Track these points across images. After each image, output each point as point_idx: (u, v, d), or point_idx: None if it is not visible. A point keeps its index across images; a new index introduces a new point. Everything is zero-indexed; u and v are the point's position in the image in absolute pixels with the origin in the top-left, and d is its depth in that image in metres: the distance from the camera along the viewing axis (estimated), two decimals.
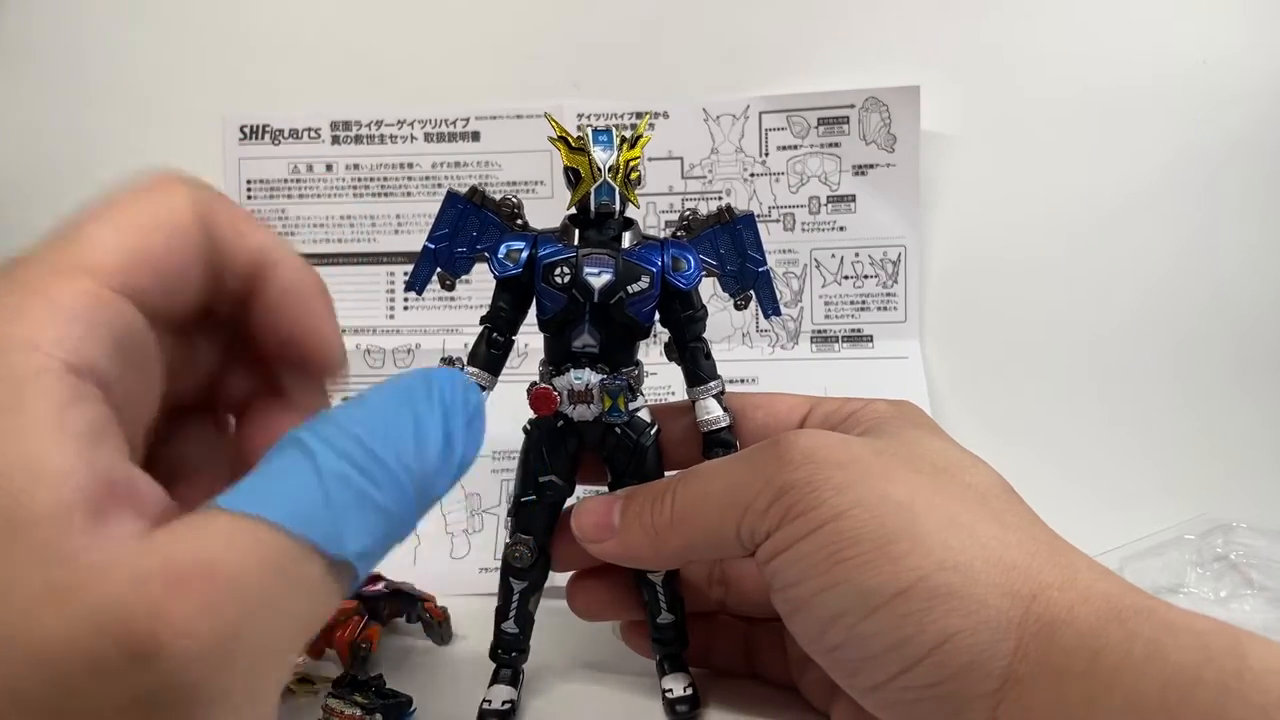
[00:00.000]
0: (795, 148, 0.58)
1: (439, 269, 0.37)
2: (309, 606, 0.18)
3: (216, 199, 0.22)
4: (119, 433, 0.18)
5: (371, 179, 0.60)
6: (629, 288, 0.35)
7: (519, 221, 0.37)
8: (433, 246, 0.37)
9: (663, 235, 0.37)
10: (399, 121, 0.60)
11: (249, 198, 0.60)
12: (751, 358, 0.59)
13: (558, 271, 0.35)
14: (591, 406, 0.35)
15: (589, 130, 0.35)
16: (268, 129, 0.60)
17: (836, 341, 0.59)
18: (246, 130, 0.60)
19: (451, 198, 0.37)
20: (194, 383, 0.23)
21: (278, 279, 0.22)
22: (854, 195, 0.58)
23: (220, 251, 0.21)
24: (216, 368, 0.24)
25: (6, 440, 0.16)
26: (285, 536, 0.17)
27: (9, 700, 0.15)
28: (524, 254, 0.35)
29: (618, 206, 0.35)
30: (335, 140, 0.60)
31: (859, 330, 0.59)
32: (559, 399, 0.35)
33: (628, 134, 0.35)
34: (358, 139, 0.60)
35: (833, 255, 0.59)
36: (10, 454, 0.16)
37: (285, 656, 0.18)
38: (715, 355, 0.37)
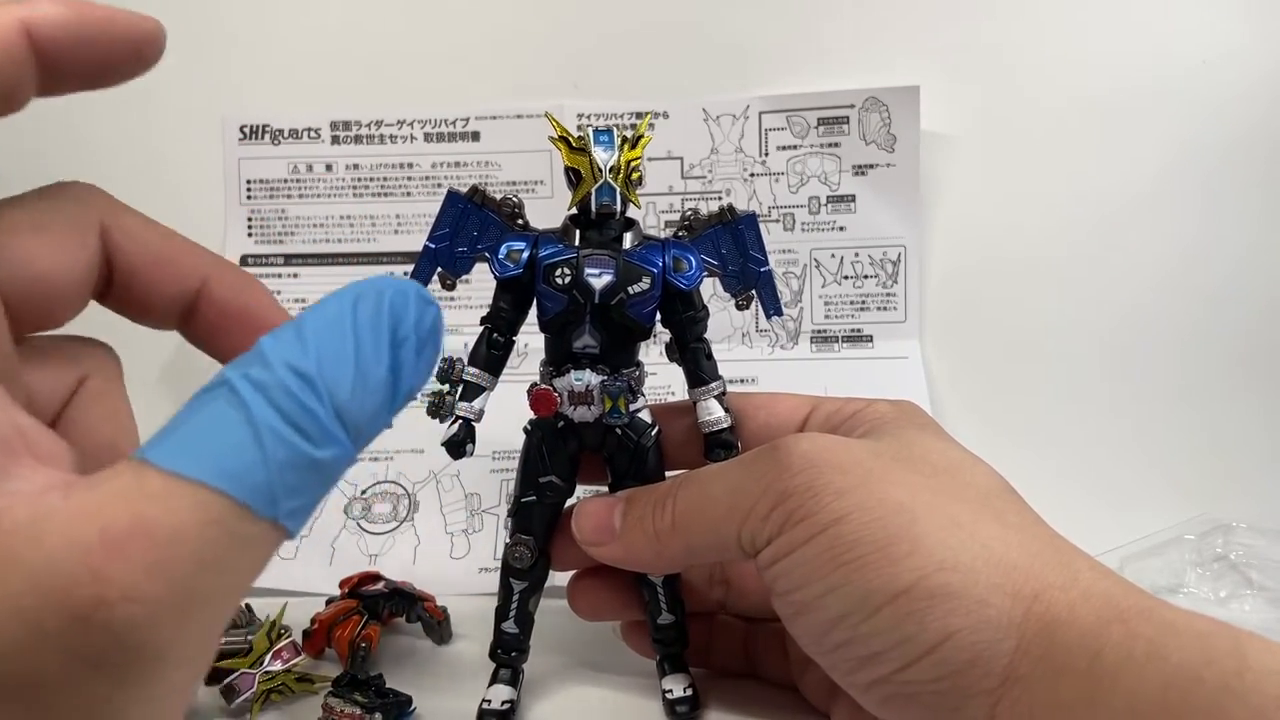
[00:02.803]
0: (795, 148, 0.58)
1: (439, 269, 0.37)
2: (249, 562, 0.17)
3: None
4: None
5: (371, 179, 0.60)
6: (630, 289, 0.34)
7: (519, 221, 0.37)
8: (433, 246, 0.37)
9: (663, 235, 0.37)
10: (399, 121, 0.60)
11: (249, 197, 0.60)
12: (751, 358, 0.59)
13: (558, 272, 0.34)
14: (592, 408, 0.35)
15: (590, 130, 0.35)
16: (268, 129, 0.60)
17: (836, 341, 0.59)
18: (246, 130, 0.60)
19: (452, 197, 0.37)
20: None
21: (219, 280, 0.23)
22: (854, 195, 0.58)
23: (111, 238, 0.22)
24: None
25: None
26: (222, 498, 0.16)
27: None
28: (525, 254, 0.35)
29: (619, 207, 0.34)
30: (335, 140, 0.60)
31: (859, 330, 0.59)
32: (559, 400, 0.35)
33: (628, 134, 0.35)
34: (358, 139, 0.60)
35: (832, 255, 0.59)
36: None
37: (227, 609, 0.18)
38: (715, 355, 0.37)
